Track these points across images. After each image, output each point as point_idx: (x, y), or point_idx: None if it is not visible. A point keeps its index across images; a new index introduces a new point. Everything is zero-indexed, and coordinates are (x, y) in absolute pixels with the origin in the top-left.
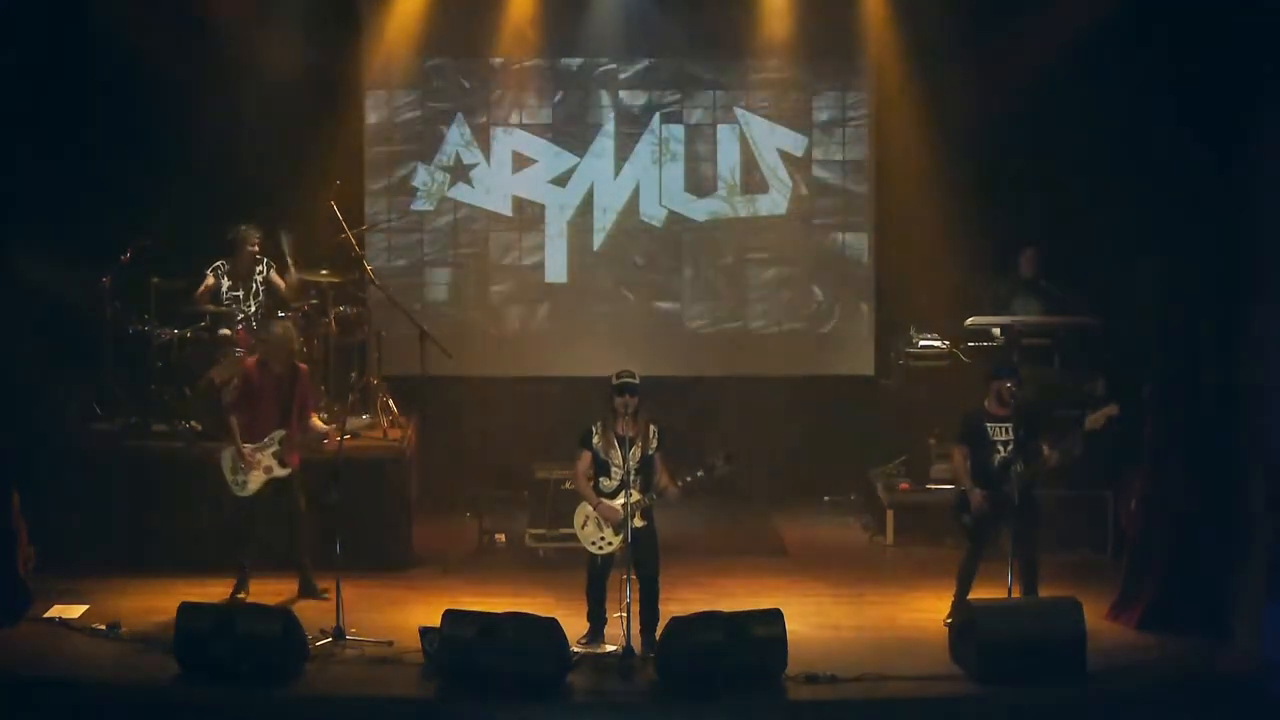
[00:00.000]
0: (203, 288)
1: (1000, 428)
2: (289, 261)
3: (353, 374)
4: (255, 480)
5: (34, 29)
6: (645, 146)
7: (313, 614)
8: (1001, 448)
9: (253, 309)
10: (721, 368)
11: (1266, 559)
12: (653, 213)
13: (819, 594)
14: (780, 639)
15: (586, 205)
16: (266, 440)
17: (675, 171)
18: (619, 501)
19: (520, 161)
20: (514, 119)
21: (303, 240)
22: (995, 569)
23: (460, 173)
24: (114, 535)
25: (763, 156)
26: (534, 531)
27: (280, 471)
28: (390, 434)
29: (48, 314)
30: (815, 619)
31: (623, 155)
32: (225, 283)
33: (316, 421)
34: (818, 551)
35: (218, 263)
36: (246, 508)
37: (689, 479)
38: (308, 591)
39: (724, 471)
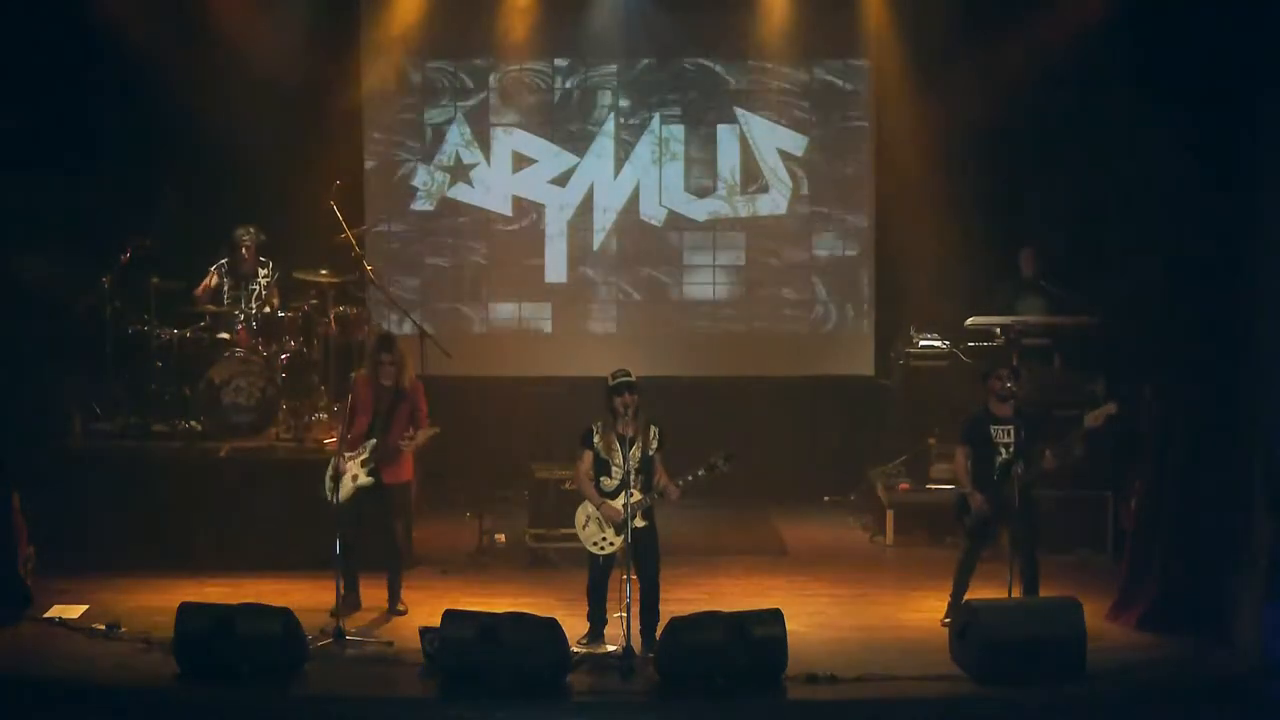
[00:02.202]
0: (203, 285)
1: (1004, 429)
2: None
3: (352, 374)
4: (344, 488)
5: (33, 29)
6: (645, 146)
7: (313, 614)
8: (1004, 449)
9: (253, 310)
10: (721, 368)
11: (1266, 559)
12: (653, 213)
13: (819, 594)
14: (780, 639)
15: (586, 205)
16: (359, 449)
17: (675, 171)
18: (619, 501)
19: (520, 161)
20: (514, 119)
21: (303, 240)
22: (995, 569)
23: (460, 173)
24: (114, 535)
25: (763, 156)
26: (534, 531)
27: (365, 480)
28: None
29: (48, 314)
30: (815, 619)
31: (623, 155)
32: (227, 282)
33: (421, 435)
34: (818, 551)
35: (221, 261)
36: (344, 519)
37: (690, 478)
38: (392, 609)
39: (725, 470)
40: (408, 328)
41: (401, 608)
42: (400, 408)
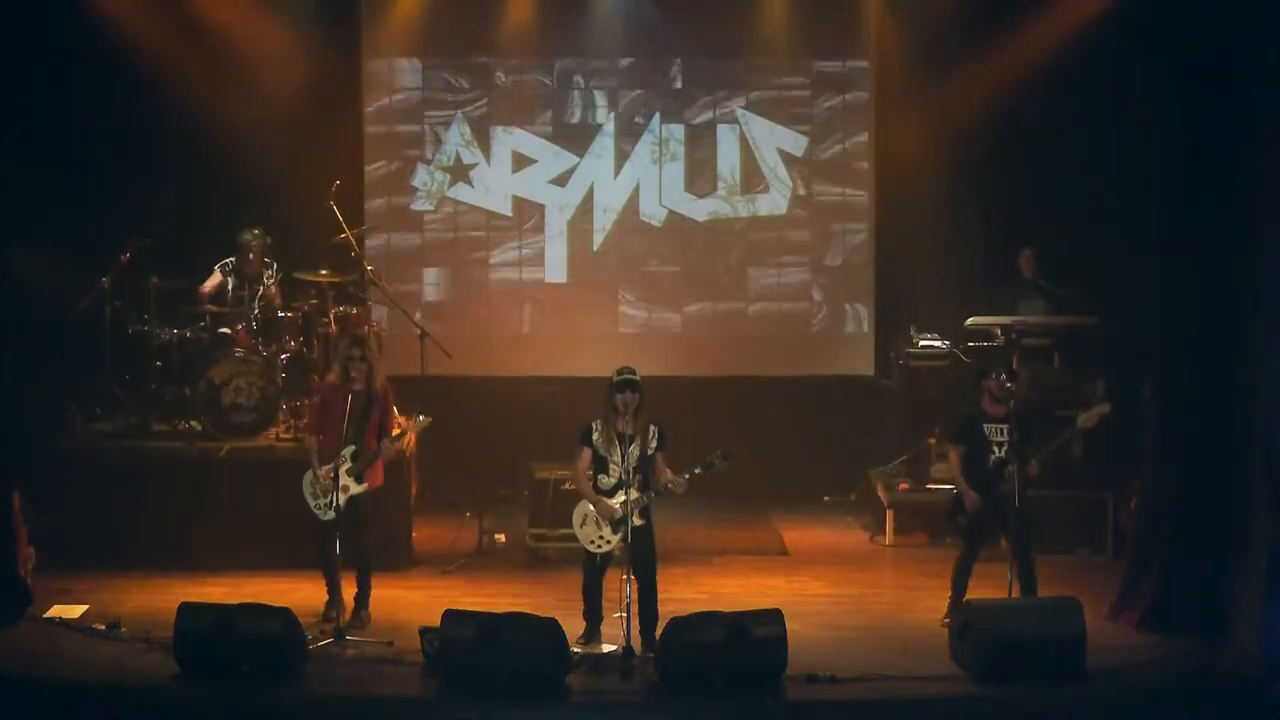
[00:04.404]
0: (208, 285)
1: (997, 428)
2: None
3: (353, 375)
4: (340, 500)
5: (33, 29)
6: (645, 146)
7: (313, 614)
8: (997, 448)
9: (255, 311)
10: (721, 368)
11: (1266, 559)
12: (653, 213)
13: (819, 594)
14: (780, 639)
15: (586, 205)
16: (339, 459)
17: (675, 171)
18: (617, 499)
19: (520, 161)
20: (514, 119)
21: (303, 240)
22: (995, 569)
23: (460, 173)
24: (114, 535)
25: (763, 156)
26: (534, 531)
27: (357, 489)
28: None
29: (48, 314)
30: (815, 619)
31: (623, 155)
32: (231, 281)
33: (387, 443)
34: (818, 551)
35: (226, 260)
36: (330, 531)
37: (687, 475)
38: (357, 617)
39: (722, 469)
40: (408, 328)
41: (366, 616)
42: (372, 412)
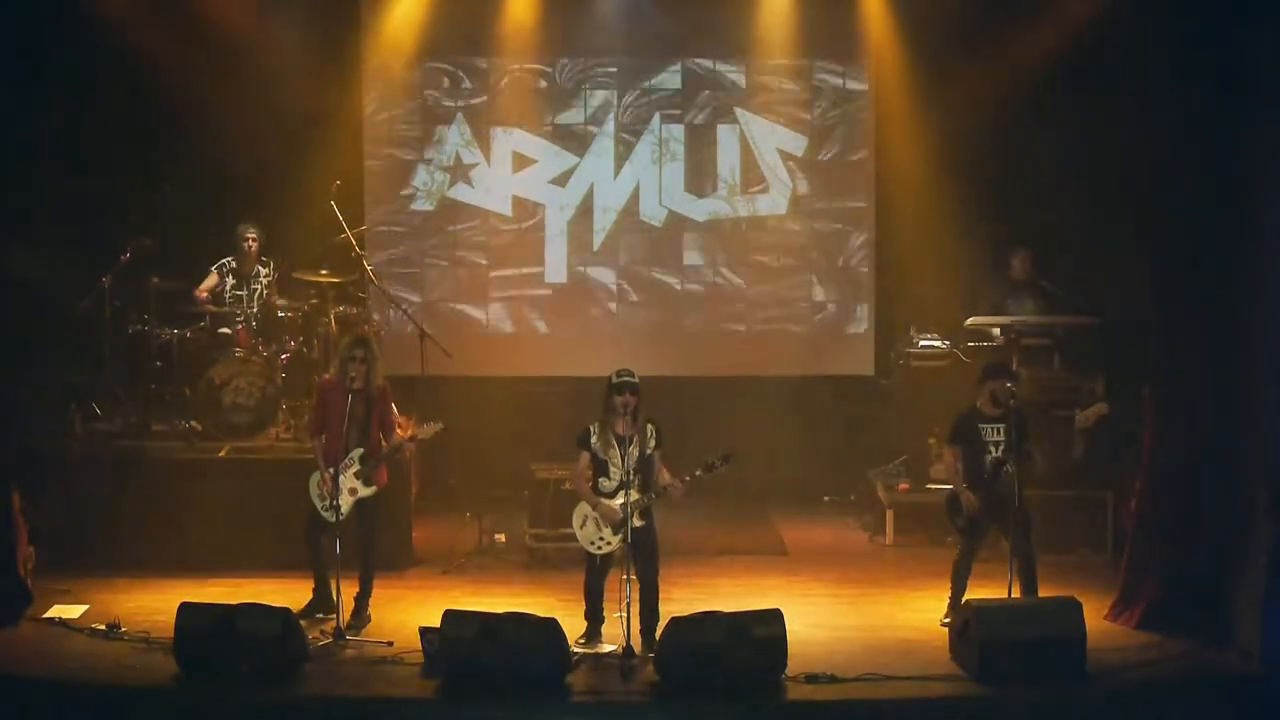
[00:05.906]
0: (205, 285)
1: (993, 428)
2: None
3: (352, 374)
4: (345, 504)
5: (33, 29)
6: (645, 146)
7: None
8: (994, 448)
9: (254, 310)
10: (721, 368)
11: (1266, 559)
12: (653, 213)
13: (819, 594)
14: (780, 639)
15: (586, 205)
16: (347, 461)
17: (675, 171)
18: (618, 501)
19: (520, 161)
20: (514, 119)
21: (303, 240)
22: (995, 569)
23: (460, 173)
24: (114, 535)
25: (763, 156)
26: (534, 531)
27: (365, 491)
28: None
29: (48, 314)
30: (815, 619)
31: (623, 155)
32: (229, 281)
33: (396, 436)
34: (818, 551)
35: (224, 260)
36: (330, 530)
37: (688, 478)
38: (357, 617)
39: (724, 470)
40: (408, 328)
41: (366, 616)
42: (373, 413)
